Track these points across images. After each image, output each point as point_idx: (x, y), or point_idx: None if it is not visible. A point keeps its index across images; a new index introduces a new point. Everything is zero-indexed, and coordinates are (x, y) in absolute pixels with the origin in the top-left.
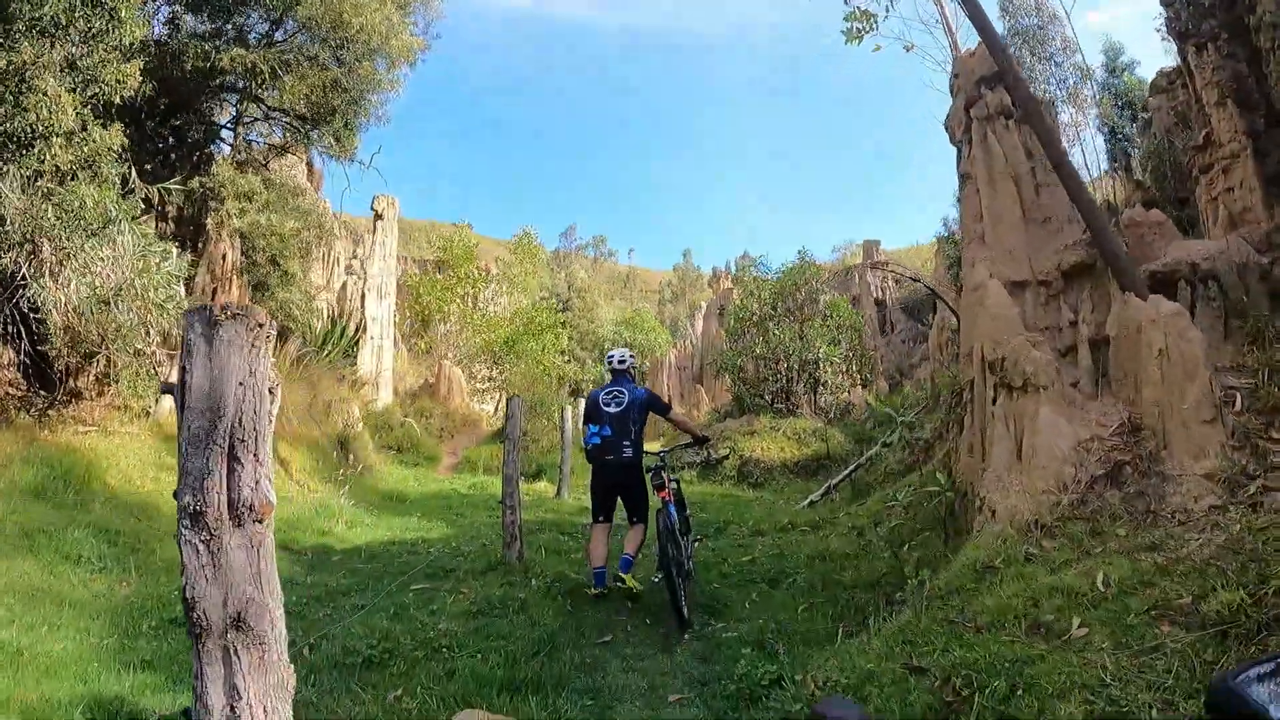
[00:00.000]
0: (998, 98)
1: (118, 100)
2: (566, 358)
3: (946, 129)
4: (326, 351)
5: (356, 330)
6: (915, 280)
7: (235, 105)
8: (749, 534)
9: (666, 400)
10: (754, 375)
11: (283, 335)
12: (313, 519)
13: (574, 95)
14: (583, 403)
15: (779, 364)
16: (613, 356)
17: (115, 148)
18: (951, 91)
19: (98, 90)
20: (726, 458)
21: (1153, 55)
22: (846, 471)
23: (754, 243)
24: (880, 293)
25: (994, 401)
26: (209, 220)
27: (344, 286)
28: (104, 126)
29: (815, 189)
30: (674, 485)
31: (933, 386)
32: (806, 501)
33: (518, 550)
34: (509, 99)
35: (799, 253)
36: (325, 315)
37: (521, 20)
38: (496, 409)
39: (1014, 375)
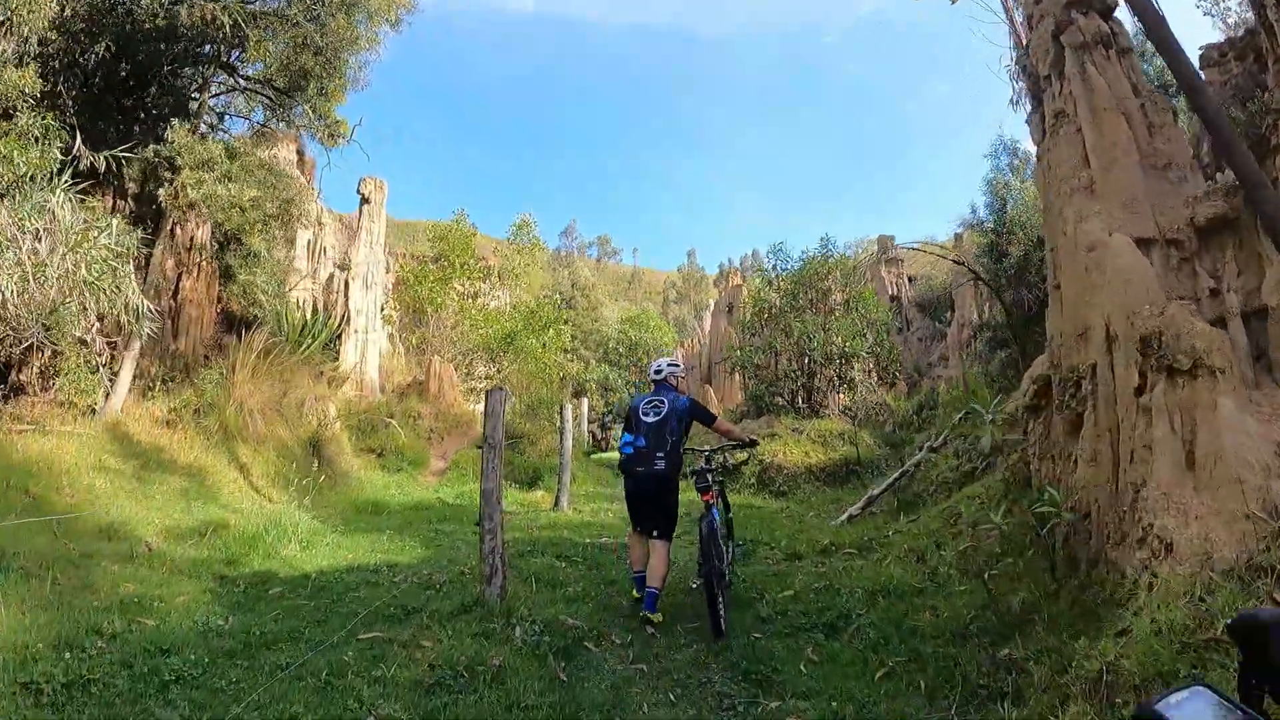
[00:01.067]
0: (1093, 24)
1: (26, 31)
2: (569, 356)
3: (1025, 67)
4: (305, 345)
5: (339, 322)
6: (959, 263)
7: (202, 71)
8: (783, 558)
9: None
10: (772, 372)
11: (249, 324)
12: (261, 537)
13: (578, 96)
14: (585, 402)
15: (801, 360)
16: (650, 366)
17: (30, 92)
18: (1029, 23)
19: (5, 19)
20: (745, 463)
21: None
22: (889, 480)
23: (761, 241)
24: (895, 289)
25: (1139, 392)
26: (162, 192)
27: (330, 279)
28: (17, 66)
29: (823, 189)
30: (719, 488)
31: (965, 384)
32: (845, 516)
33: (499, 586)
34: (513, 100)
35: (822, 240)
36: (309, 306)
37: (528, 21)
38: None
39: (1177, 354)
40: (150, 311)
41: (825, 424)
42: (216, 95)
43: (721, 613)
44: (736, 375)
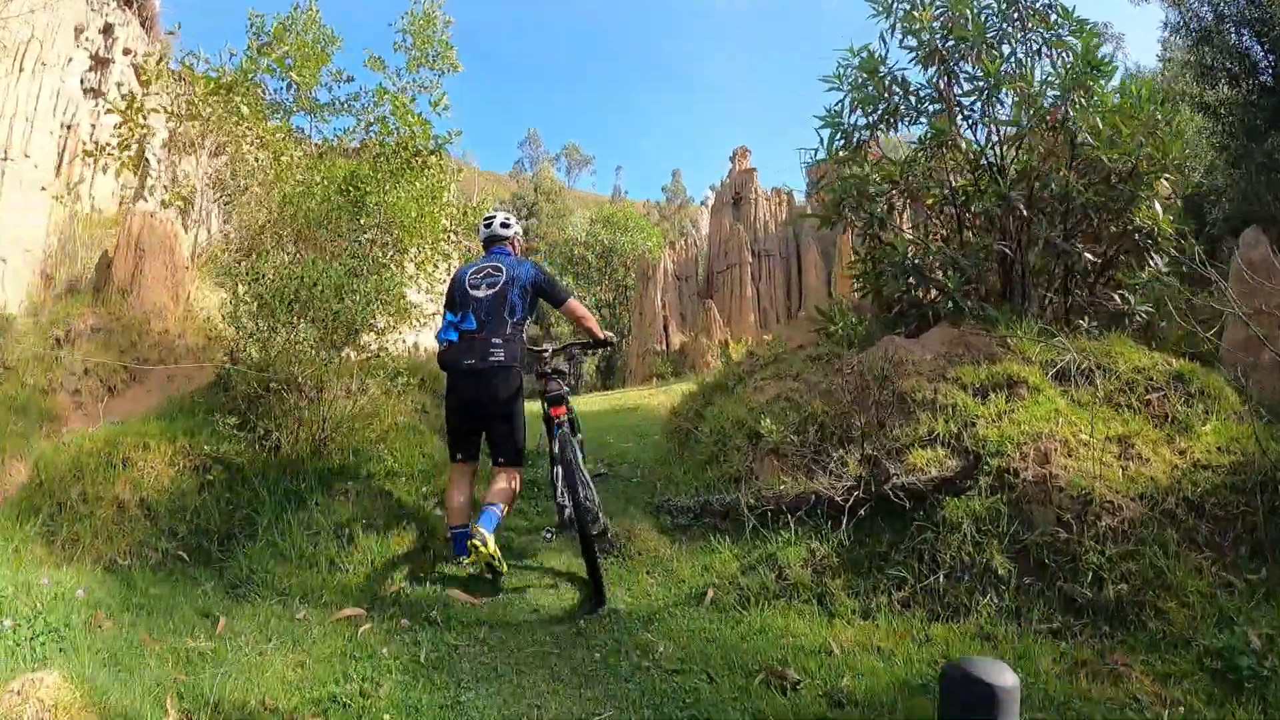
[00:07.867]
0: None
1: None
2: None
3: None
4: None
5: None
6: None
7: None
8: None
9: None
10: (952, 220)
11: None
12: None
13: (556, 27)
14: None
15: (1056, 180)
16: (489, 218)
17: None
18: None
19: None
20: (972, 482)
21: None
22: None
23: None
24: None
25: None
26: None
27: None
28: None
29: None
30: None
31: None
32: None
33: None
34: (486, 40)
35: None
36: None
37: None
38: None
39: None
40: None
41: (1134, 355)
42: None
43: (600, 570)
44: (801, 257)
